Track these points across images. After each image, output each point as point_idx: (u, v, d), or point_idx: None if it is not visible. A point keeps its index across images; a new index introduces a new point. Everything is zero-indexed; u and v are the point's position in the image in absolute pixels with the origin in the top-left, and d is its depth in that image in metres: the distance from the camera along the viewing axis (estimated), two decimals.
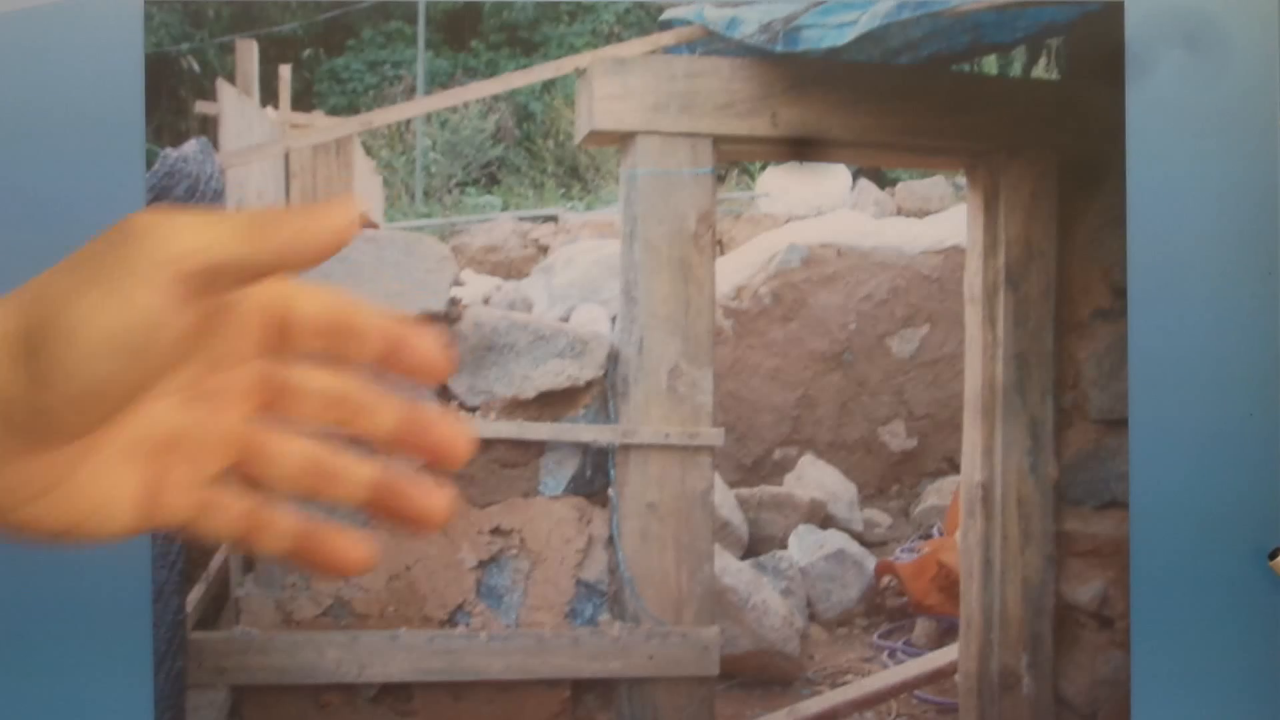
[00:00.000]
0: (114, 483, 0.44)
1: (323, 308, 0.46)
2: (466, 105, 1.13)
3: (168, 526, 0.45)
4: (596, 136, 1.10)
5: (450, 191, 1.15)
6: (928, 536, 1.16)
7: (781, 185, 1.16)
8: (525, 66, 1.10)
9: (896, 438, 1.17)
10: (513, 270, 1.15)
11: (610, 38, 1.09)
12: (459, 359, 0.45)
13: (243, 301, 0.45)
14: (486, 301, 1.12)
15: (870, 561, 1.17)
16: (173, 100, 1.05)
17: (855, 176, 1.16)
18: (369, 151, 1.12)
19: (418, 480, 0.48)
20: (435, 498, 0.47)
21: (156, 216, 0.41)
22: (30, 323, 0.41)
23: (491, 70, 1.10)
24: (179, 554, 1.05)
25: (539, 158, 1.17)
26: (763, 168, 1.17)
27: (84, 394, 0.40)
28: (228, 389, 0.46)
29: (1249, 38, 1.07)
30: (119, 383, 0.41)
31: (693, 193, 1.10)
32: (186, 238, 0.41)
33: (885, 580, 1.16)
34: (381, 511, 0.48)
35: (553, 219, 1.19)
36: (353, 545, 0.49)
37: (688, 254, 1.10)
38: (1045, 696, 1.10)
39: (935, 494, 1.16)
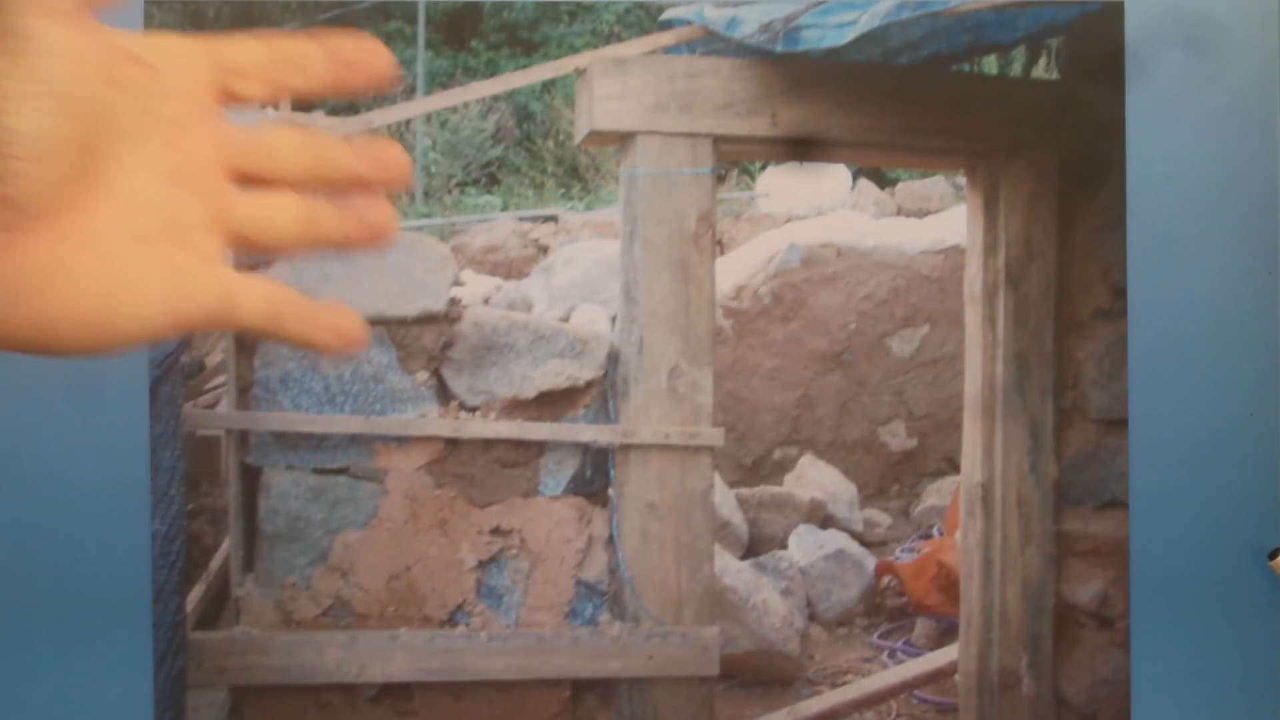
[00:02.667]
0: (128, 266, 0.43)
1: (254, 46, 0.47)
2: (466, 105, 1.13)
3: (200, 319, 0.45)
4: (596, 136, 1.10)
5: (450, 191, 1.15)
6: (928, 536, 1.16)
7: (781, 185, 1.16)
8: (525, 66, 1.10)
9: (896, 438, 1.17)
10: (513, 270, 1.15)
11: (610, 38, 1.09)
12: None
13: (173, 68, 0.45)
14: (486, 301, 1.12)
15: (870, 561, 1.17)
16: None
17: (855, 176, 1.16)
18: None
19: (365, 202, 0.49)
20: (385, 211, 0.49)
21: None
22: None
23: (491, 70, 1.10)
24: (179, 554, 1.05)
25: (539, 158, 1.17)
26: (763, 168, 1.17)
27: (28, 154, 0.39)
28: (198, 159, 0.46)
29: (1249, 38, 1.07)
30: (60, 130, 0.40)
31: (693, 193, 1.10)
32: None
33: (885, 580, 1.16)
34: (358, 239, 0.50)
35: (553, 219, 1.19)
36: (353, 317, 0.49)
37: (688, 254, 1.10)
38: (1045, 696, 1.10)
39: (935, 494, 1.17)
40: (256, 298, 0.47)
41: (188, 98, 0.45)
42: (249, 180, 0.47)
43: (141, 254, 0.44)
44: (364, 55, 0.47)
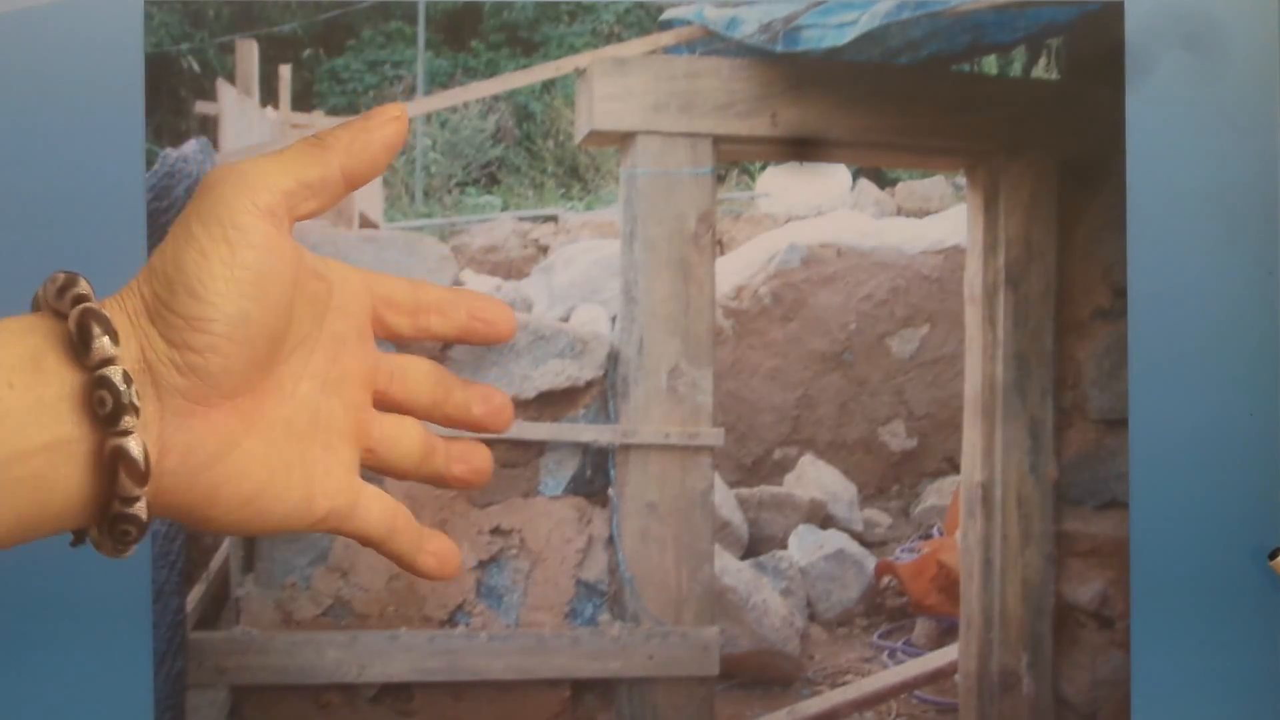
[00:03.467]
0: (278, 459, 0.47)
1: (406, 288, 0.52)
2: (466, 105, 1.13)
3: (329, 515, 0.49)
4: (596, 136, 1.10)
5: (450, 191, 1.15)
6: (928, 536, 1.16)
7: (781, 185, 1.16)
8: (525, 66, 1.10)
9: (896, 438, 1.17)
10: (513, 270, 1.15)
11: (610, 38, 1.09)
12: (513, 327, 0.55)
13: (343, 289, 0.50)
14: None
15: (870, 561, 1.17)
16: (173, 100, 1.05)
17: (855, 176, 1.16)
18: None
19: (471, 445, 0.56)
20: (485, 457, 0.56)
21: (225, 167, 0.46)
22: (154, 288, 0.45)
23: (491, 70, 1.10)
24: (179, 554, 1.05)
25: (539, 158, 1.17)
26: (763, 168, 1.17)
27: (218, 340, 0.44)
28: (350, 375, 0.51)
29: (1249, 38, 1.07)
30: (247, 323, 0.44)
31: (693, 193, 1.10)
32: (257, 174, 0.45)
33: (885, 580, 1.16)
34: (457, 475, 0.56)
35: (553, 219, 1.19)
36: (451, 547, 0.55)
37: (688, 254, 1.10)
38: (1045, 696, 1.11)
39: (935, 494, 1.17)
40: (378, 510, 0.52)
41: (351, 319, 0.50)
42: (385, 403, 0.52)
43: (295, 448, 0.48)
44: (494, 314, 0.54)
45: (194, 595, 1.06)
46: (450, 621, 1.08)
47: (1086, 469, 1.10)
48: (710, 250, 1.10)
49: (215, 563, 1.07)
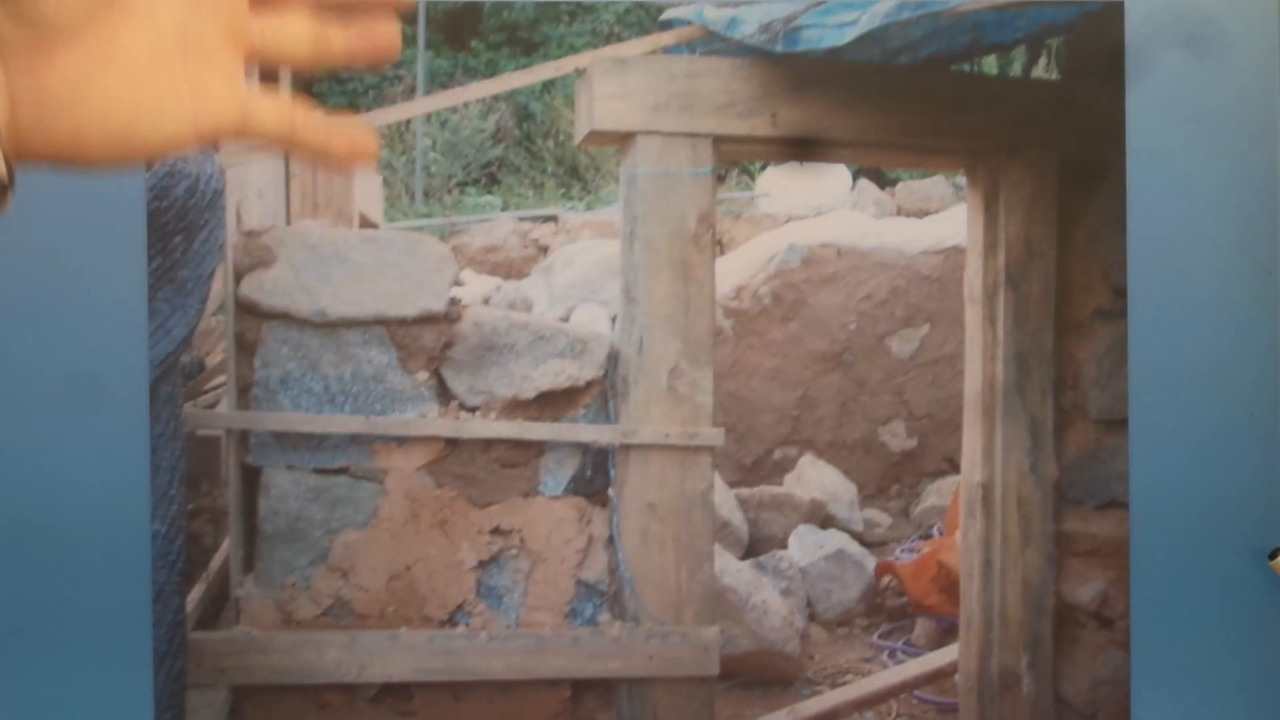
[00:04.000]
0: (148, 86, 0.46)
1: None
2: (466, 105, 1.13)
3: (221, 129, 0.48)
4: (596, 136, 1.10)
5: (450, 191, 1.15)
6: (928, 536, 1.16)
7: (781, 185, 1.16)
8: (525, 66, 1.10)
9: (896, 438, 1.17)
10: (513, 270, 1.15)
11: (610, 38, 1.09)
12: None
13: None
14: (486, 301, 1.12)
15: (870, 561, 1.17)
16: None
17: (855, 176, 1.16)
18: None
19: (370, 18, 0.52)
20: (391, 28, 0.52)
21: None
22: None
23: (491, 70, 1.10)
24: (179, 554, 1.05)
25: (539, 158, 1.17)
26: (763, 168, 1.16)
27: None
28: None
29: (1249, 38, 1.07)
30: None
31: (693, 193, 1.10)
32: None
33: (885, 580, 1.16)
34: (364, 55, 0.53)
35: (553, 219, 1.19)
36: (365, 128, 0.52)
37: (688, 254, 1.10)
38: (1045, 696, 1.10)
39: (935, 494, 1.17)
40: (273, 112, 0.50)
41: None
42: (267, 4, 0.50)
43: (164, 72, 0.47)
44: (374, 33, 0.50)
45: (194, 595, 1.05)
46: (450, 621, 1.08)
47: (1086, 469, 1.10)
48: (710, 250, 1.10)
49: (215, 563, 1.07)
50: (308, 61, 0.51)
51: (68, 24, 0.44)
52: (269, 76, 0.56)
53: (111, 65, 0.45)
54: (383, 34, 0.52)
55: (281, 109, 0.50)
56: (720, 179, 1.12)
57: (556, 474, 1.10)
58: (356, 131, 0.51)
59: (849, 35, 1.07)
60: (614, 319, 1.11)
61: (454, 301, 1.10)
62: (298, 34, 0.51)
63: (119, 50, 0.46)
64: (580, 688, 1.09)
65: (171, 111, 0.47)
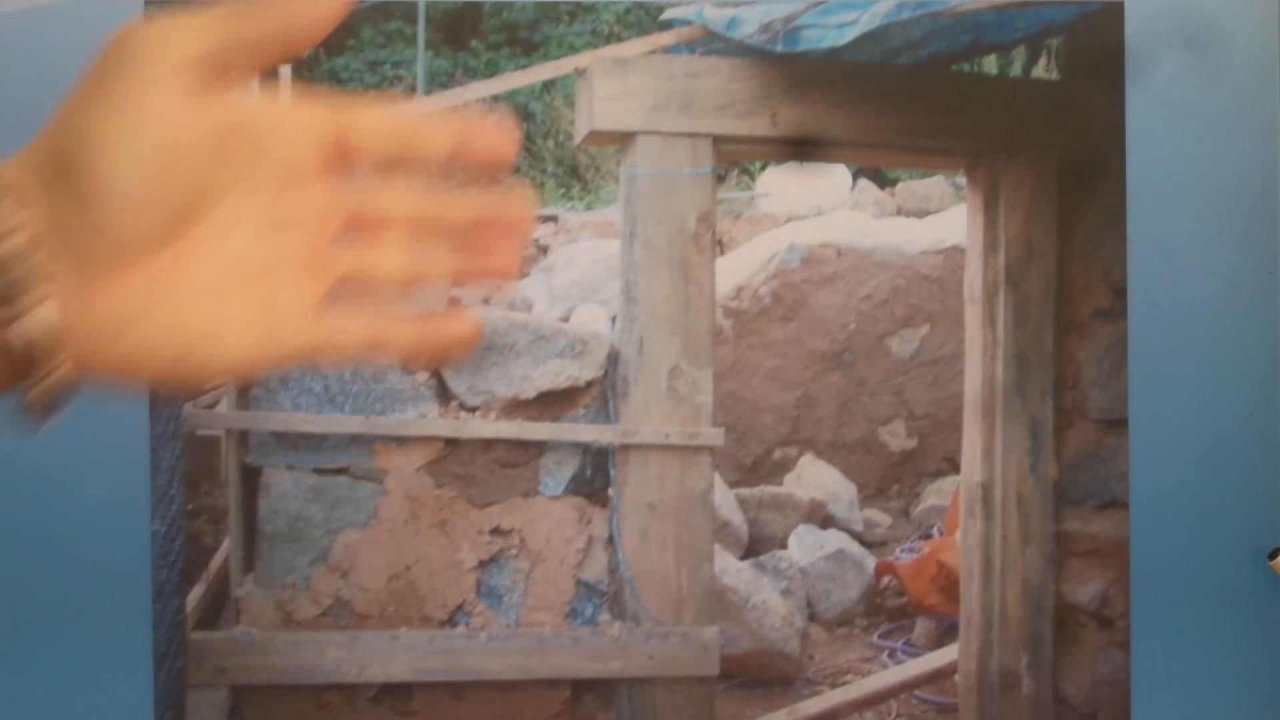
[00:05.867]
0: (216, 312, 0.46)
1: (381, 117, 0.49)
2: (466, 105, 1.13)
3: (291, 356, 0.48)
4: (596, 136, 1.10)
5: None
6: (928, 536, 1.16)
7: (781, 185, 1.16)
8: (525, 66, 1.10)
9: (896, 438, 1.17)
10: None
11: (610, 38, 1.09)
12: (514, 154, 0.50)
13: (286, 126, 0.48)
14: (486, 301, 1.12)
15: (870, 561, 1.17)
16: None
17: (855, 176, 1.16)
18: None
19: (487, 236, 0.51)
20: (510, 252, 0.51)
21: (142, 24, 0.44)
22: (54, 151, 0.43)
23: (491, 70, 1.10)
24: (179, 554, 1.05)
25: (539, 158, 1.17)
26: (763, 168, 1.17)
27: (124, 205, 0.43)
28: (300, 212, 0.48)
29: (1249, 38, 1.07)
30: (155, 187, 0.43)
31: (693, 193, 1.10)
32: (175, 33, 0.44)
33: (885, 580, 1.16)
34: (475, 272, 0.51)
35: (553, 219, 1.19)
36: (460, 322, 0.51)
37: (688, 254, 1.10)
38: (1045, 696, 1.10)
39: (935, 494, 1.17)
40: (353, 330, 0.49)
41: (298, 153, 0.48)
42: (366, 225, 0.49)
43: (228, 302, 0.46)
44: (487, 131, 0.49)
45: (194, 595, 1.05)
46: (450, 621, 1.08)
47: (1086, 469, 1.10)
48: (710, 250, 1.10)
49: (215, 563, 1.07)
50: (405, 282, 0.50)
51: (139, 248, 0.44)
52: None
53: (176, 292, 0.46)
54: (501, 254, 0.50)
55: (366, 322, 0.50)
56: (720, 179, 1.12)
57: (556, 474, 1.10)
58: (450, 326, 0.51)
59: (849, 35, 1.07)
60: (614, 319, 1.11)
61: (453, 301, 1.10)
62: (390, 254, 0.50)
63: (181, 279, 0.46)
64: (580, 688, 1.09)
65: (235, 340, 0.47)
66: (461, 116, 0.50)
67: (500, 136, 0.49)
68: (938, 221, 1.17)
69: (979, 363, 1.12)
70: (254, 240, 0.48)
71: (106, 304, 0.44)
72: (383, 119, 0.49)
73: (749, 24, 1.08)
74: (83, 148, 0.43)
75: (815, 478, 1.17)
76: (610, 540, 1.10)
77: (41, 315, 0.42)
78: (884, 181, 1.17)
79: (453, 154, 0.49)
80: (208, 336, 0.46)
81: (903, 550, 1.16)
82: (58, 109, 0.45)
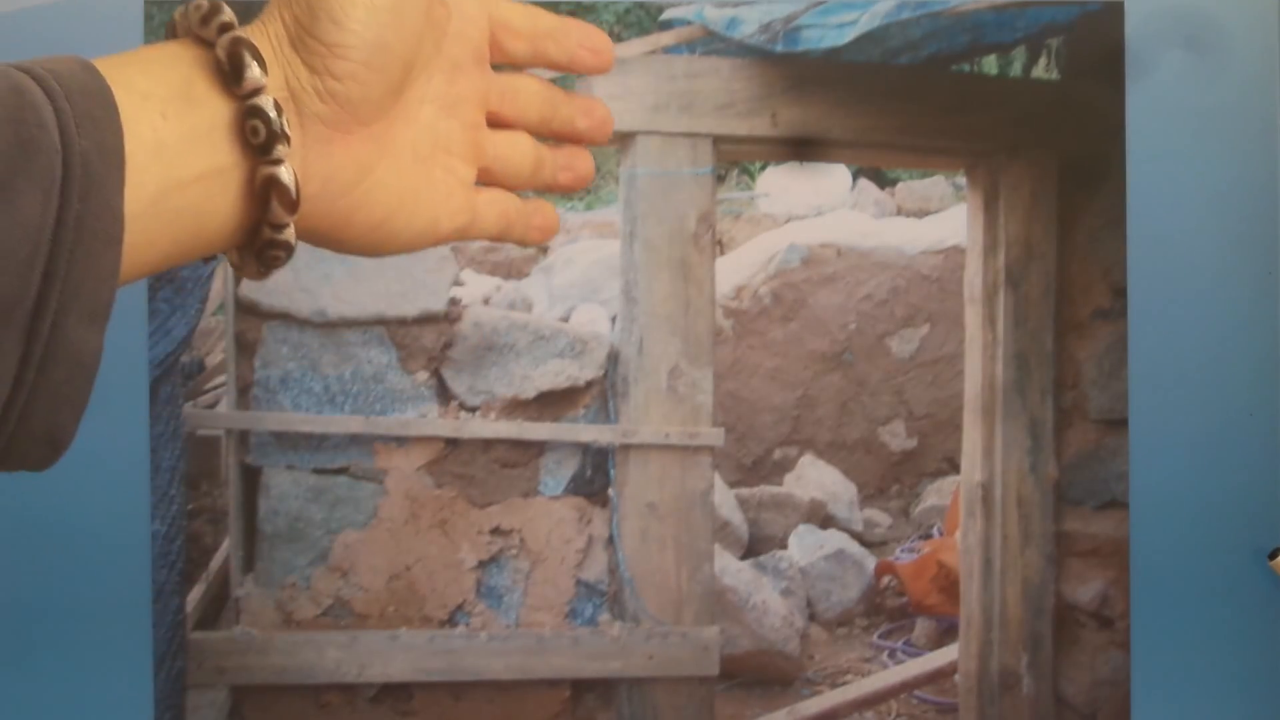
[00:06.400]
0: (409, 181, 0.49)
1: (524, 14, 0.53)
2: None
3: (452, 233, 0.51)
4: None
5: None
6: (928, 536, 1.16)
7: (781, 185, 1.16)
8: None
9: (896, 438, 1.17)
10: (513, 270, 1.14)
11: (610, 38, 1.09)
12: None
13: (459, 12, 0.51)
14: (486, 301, 1.12)
15: (870, 561, 1.17)
16: None
17: (855, 176, 1.16)
18: None
19: (573, 151, 0.57)
20: (587, 161, 0.57)
21: None
22: (295, 13, 0.45)
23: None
24: (179, 554, 1.05)
25: None
26: (763, 168, 1.17)
27: (359, 67, 0.45)
28: (466, 96, 0.52)
29: (1249, 38, 1.07)
30: (385, 53, 0.45)
31: (693, 193, 1.10)
32: None
33: (885, 580, 1.16)
34: (564, 182, 0.57)
35: None
36: (551, 210, 0.57)
37: (688, 254, 1.10)
38: (1045, 696, 1.11)
39: (935, 494, 1.17)
40: (493, 214, 0.53)
41: (469, 42, 0.51)
42: (497, 121, 0.54)
43: (420, 171, 0.50)
44: (599, 43, 0.56)
45: (194, 595, 1.06)
46: (450, 621, 1.08)
47: (1086, 469, 1.10)
48: (710, 250, 1.10)
49: (215, 563, 1.07)
50: (525, 182, 0.54)
51: (366, 111, 0.46)
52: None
53: (386, 157, 0.48)
54: (582, 167, 0.56)
55: (501, 209, 0.53)
56: (720, 179, 1.12)
57: (556, 474, 1.10)
58: (543, 216, 0.55)
59: (849, 35, 1.07)
60: (614, 319, 1.11)
61: (454, 301, 1.10)
62: (522, 155, 0.54)
63: (393, 143, 0.48)
64: (580, 688, 1.09)
65: (423, 210, 0.49)
66: (579, 23, 0.55)
67: (607, 49, 0.56)
68: (938, 221, 1.17)
69: (979, 363, 1.12)
70: (437, 116, 0.50)
71: (332, 166, 0.46)
72: (528, 20, 0.53)
73: (749, 24, 1.08)
74: (322, 10, 0.44)
75: (815, 478, 1.17)
76: (610, 540, 1.10)
77: (285, 169, 0.43)
78: (884, 181, 1.17)
79: (572, 58, 0.54)
80: (404, 206, 0.48)
81: (903, 550, 1.16)
82: None
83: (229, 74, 0.43)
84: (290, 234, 0.45)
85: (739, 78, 1.09)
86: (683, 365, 1.09)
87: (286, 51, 0.44)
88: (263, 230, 0.44)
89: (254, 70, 0.43)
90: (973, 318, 1.13)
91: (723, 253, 1.14)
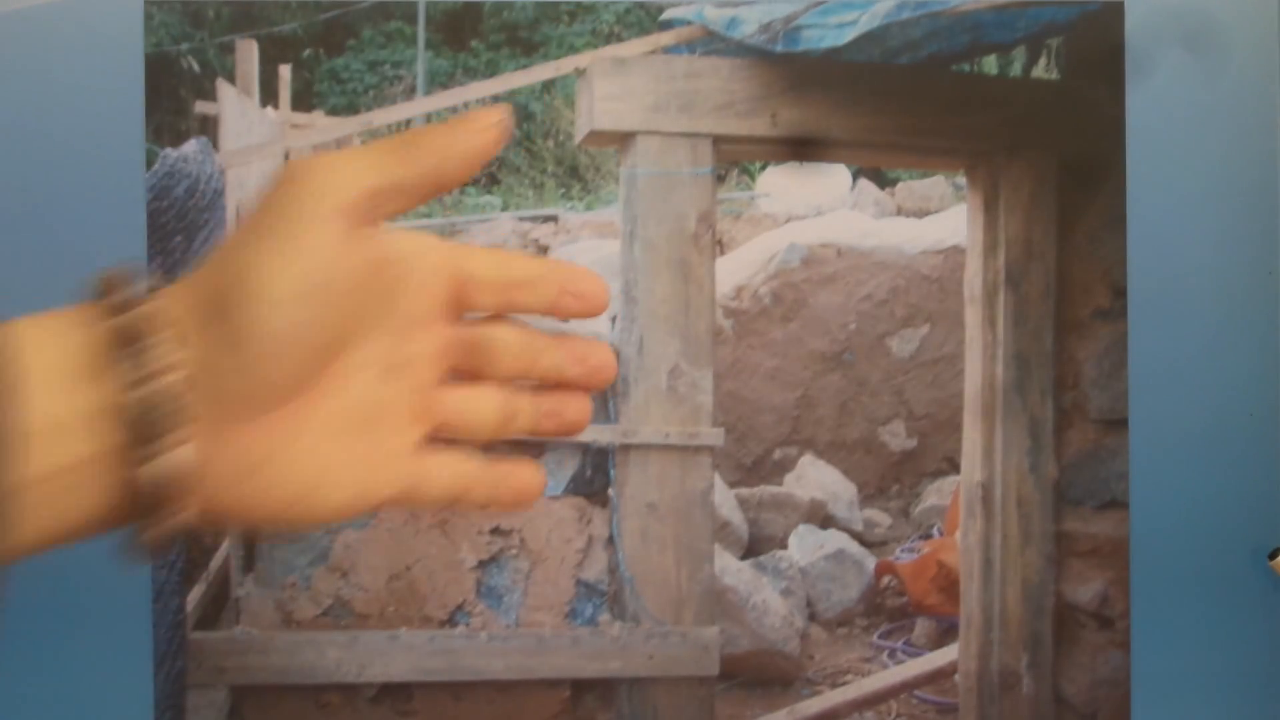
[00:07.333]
0: (328, 457, 0.45)
1: (493, 264, 0.49)
2: (466, 105, 1.13)
3: (385, 501, 0.48)
4: (596, 136, 1.10)
5: (450, 191, 1.15)
6: (928, 536, 1.16)
7: (781, 185, 1.16)
8: (525, 66, 1.10)
9: (896, 438, 1.17)
10: None
11: (610, 38, 1.09)
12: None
13: (419, 268, 0.48)
14: None
15: (870, 561, 1.17)
16: (173, 100, 1.05)
17: (855, 176, 1.16)
18: None
19: (562, 398, 0.53)
20: (582, 406, 0.52)
21: (309, 160, 0.44)
22: (218, 287, 0.42)
23: (491, 70, 1.10)
24: (179, 554, 1.05)
25: (539, 158, 1.17)
26: (763, 168, 1.17)
27: (279, 348, 0.42)
28: (419, 356, 0.48)
29: (1249, 38, 1.07)
30: (310, 330, 0.43)
31: (693, 193, 1.10)
32: (340, 171, 0.43)
33: (885, 580, 1.16)
34: (548, 430, 0.53)
35: (553, 219, 1.19)
36: (533, 472, 0.53)
37: (688, 254, 1.10)
38: (1045, 696, 1.11)
39: (935, 494, 1.17)
40: (444, 479, 0.50)
41: (431, 297, 0.48)
42: (465, 374, 0.50)
43: (343, 446, 0.46)
44: (586, 287, 0.50)
45: (194, 595, 1.06)
46: (450, 621, 1.08)
47: (1086, 469, 1.10)
48: (710, 250, 1.10)
49: (215, 563, 1.07)
50: (492, 435, 0.51)
51: (286, 391, 0.43)
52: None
53: (305, 434, 0.45)
54: (572, 413, 0.52)
55: (455, 472, 0.50)
56: (720, 179, 1.12)
57: (556, 474, 1.10)
58: (522, 478, 0.52)
59: (849, 35, 1.07)
60: (614, 319, 1.11)
61: None
62: (484, 412, 0.51)
63: (307, 422, 0.45)
64: (580, 687, 1.09)
65: (342, 485, 0.46)
66: (562, 266, 0.51)
67: (594, 286, 0.50)
68: (938, 221, 1.17)
69: (979, 363, 1.12)
70: (374, 382, 0.47)
71: (238, 448, 0.43)
72: (497, 270, 0.49)
73: (749, 24, 1.08)
74: (243, 287, 0.41)
75: (815, 478, 1.17)
76: (610, 540, 1.10)
77: (179, 457, 0.41)
78: (884, 181, 1.17)
79: (553, 305, 0.50)
80: (319, 482, 0.45)
81: (903, 550, 1.16)
82: (223, 241, 0.44)
83: (133, 350, 0.41)
84: (188, 517, 0.42)
85: (739, 78, 1.09)
86: (683, 365, 1.09)
87: (203, 323, 0.42)
88: (159, 515, 0.42)
89: (161, 348, 0.41)
90: (973, 318, 1.13)
91: (723, 253, 1.14)
